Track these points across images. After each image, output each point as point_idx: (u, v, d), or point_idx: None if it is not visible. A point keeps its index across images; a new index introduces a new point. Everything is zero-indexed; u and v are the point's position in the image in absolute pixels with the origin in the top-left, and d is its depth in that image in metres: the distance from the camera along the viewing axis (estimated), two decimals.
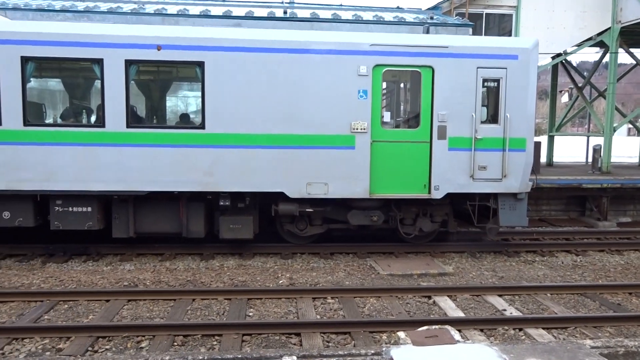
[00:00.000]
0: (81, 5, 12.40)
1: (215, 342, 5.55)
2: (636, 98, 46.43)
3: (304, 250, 9.36)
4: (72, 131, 8.24)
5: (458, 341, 5.19)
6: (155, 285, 7.46)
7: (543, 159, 16.85)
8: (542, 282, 7.92)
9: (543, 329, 6.00)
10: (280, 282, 7.73)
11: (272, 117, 8.39)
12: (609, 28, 14.25)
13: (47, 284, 7.48)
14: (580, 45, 15.10)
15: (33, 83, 8.61)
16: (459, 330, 5.69)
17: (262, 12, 12.84)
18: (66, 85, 9.31)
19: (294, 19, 12.55)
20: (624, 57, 16.50)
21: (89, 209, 8.42)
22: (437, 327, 5.61)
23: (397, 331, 5.64)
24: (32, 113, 8.33)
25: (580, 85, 17.50)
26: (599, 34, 14.49)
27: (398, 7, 14.86)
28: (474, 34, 13.12)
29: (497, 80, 8.79)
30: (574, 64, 18.80)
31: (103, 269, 8.30)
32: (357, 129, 8.52)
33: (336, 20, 12.66)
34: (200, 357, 4.83)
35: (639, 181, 12.86)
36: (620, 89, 19.28)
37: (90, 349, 5.34)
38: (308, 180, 8.54)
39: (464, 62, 8.66)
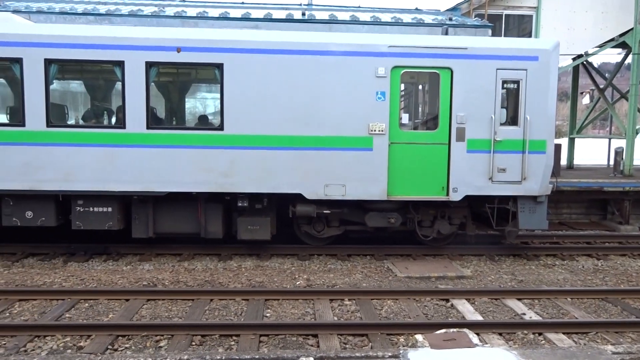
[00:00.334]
0: (103, 9, 12.60)
1: (232, 342, 5.59)
2: None
3: (321, 252, 9.37)
4: (94, 132, 8.36)
5: (476, 345, 5.16)
6: (173, 285, 7.54)
7: (563, 161, 16.66)
8: (562, 286, 7.82)
9: (563, 333, 5.91)
10: (297, 283, 7.75)
11: (290, 118, 8.42)
12: (632, 29, 14.01)
13: (69, 282, 7.60)
14: (601, 46, 14.87)
15: (56, 85, 8.76)
16: (478, 334, 5.65)
17: (281, 14, 12.91)
18: (88, 87, 9.47)
19: (312, 20, 12.59)
20: None
21: (110, 209, 8.53)
22: (455, 330, 5.58)
23: (415, 334, 5.62)
24: (55, 114, 8.48)
25: (601, 86, 17.23)
26: (621, 35, 14.27)
27: (416, 9, 14.82)
28: (493, 35, 13.02)
29: (517, 82, 8.71)
30: (596, 65, 18.52)
31: (123, 268, 8.41)
32: (374, 130, 8.51)
33: (354, 22, 12.67)
34: (218, 357, 4.87)
35: None
36: None
37: (110, 347, 5.42)
38: (325, 182, 8.55)
39: (483, 63, 8.59)
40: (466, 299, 7.03)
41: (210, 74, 8.84)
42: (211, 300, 6.87)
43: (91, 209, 8.51)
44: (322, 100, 8.43)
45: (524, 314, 6.57)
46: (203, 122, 9.22)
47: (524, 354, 4.67)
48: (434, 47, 8.57)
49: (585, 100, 19.52)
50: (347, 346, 5.55)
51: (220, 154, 8.41)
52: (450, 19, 13.18)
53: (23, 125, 8.19)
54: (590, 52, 15.02)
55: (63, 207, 8.61)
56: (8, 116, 8.70)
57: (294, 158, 8.47)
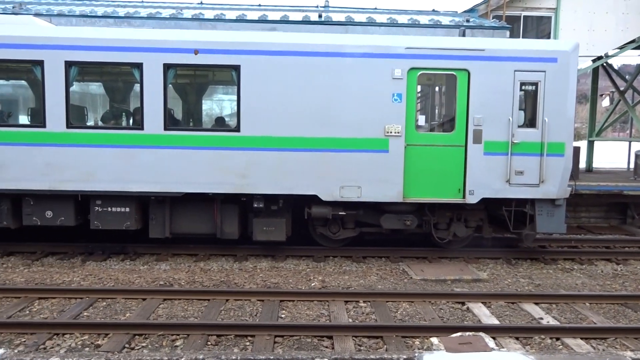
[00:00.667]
0: (122, 11, 12.77)
1: (248, 343, 5.61)
2: None
3: (336, 254, 9.37)
4: (112, 133, 8.47)
5: (493, 349, 5.11)
6: (189, 285, 7.59)
7: (582, 164, 16.45)
8: (580, 291, 7.71)
9: (581, 339, 5.82)
10: (312, 284, 7.75)
11: (306, 120, 8.44)
12: None
13: (87, 281, 7.70)
14: (622, 47, 14.66)
15: (75, 87, 8.89)
16: (494, 338, 5.59)
17: (297, 16, 12.95)
18: (107, 89, 9.60)
19: (328, 22, 12.61)
20: None
21: (127, 209, 8.63)
22: (471, 334, 5.54)
23: (430, 337, 5.59)
24: (75, 116, 8.61)
25: (622, 89, 16.98)
26: None
27: (433, 10, 14.76)
28: (511, 36, 12.92)
29: (536, 84, 8.62)
30: (616, 67, 18.26)
31: (140, 268, 8.49)
32: (391, 132, 8.48)
33: (371, 23, 12.66)
34: (234, 357, 4.89)
35: None
36: None
37: (127, 346, 5.47)
38: (341, 184, 8.55)
39: (501, 65, 8.52)
40: (482, 303, 6.97)
41: (227, 75, 8.90)
42: (227, 300, 6.90)
43: (109, 209, 8.62)
44: (338, 102, 8.43)
45: (541, 318, 6.49)
46: (220, 123, 9.28)
47: (542, 359, 4.61)
48: (451, 48, 8.53)
49: (605, 102, 19.25)
50: (361, 348, 5.54)
51: (237, 155, 8.45)
52: (468, 21, 13.10)
53: (44, 126, 8.33)
54: (610, 53, 14.82)
55: (82, 207, 8.74)
56: (29, 117, 8.86)
57: (309, 159, 8.49)
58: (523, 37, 14.28)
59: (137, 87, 8.53)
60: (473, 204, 8.73)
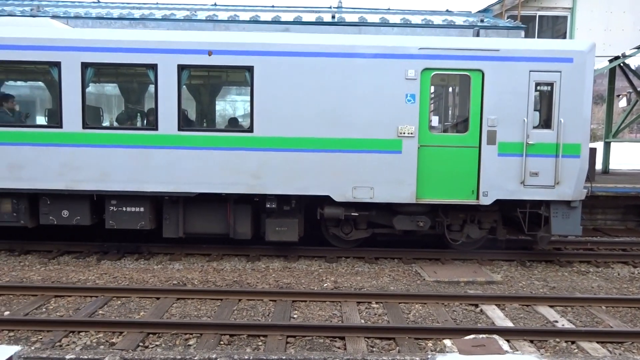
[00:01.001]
0: (137, 13, 12.89)
1: (260, 343, 5.62)
2: None
3: (348, 254, 9.36)
4: (127, 134, 8.56)
5: (507, 352, 5.07)
6: (203, 285, 7.63)
7: (598, 166, 16.25)
8: (596, 294, 7.61)
9: (597, 342, 5.75)
10: (324, 285, 7.75)
11: (320, 121, 8.44)
12: None
13: (102, 280, 7.78)
14: (639, 47, 14.45)
15: (91, 88, 8.99)
16: (508, 341, 5.55)
17: (311, 17, 12.97)
18: (122, 90, 9.70)
19: (341, 23, 12.61)
20: None
21: (142, 209, 8.71)
22: (484, 336, 5.49)
23: (444, 339, 5.57)
24: (91, 116, 8.71)
25: (639, 89, 16.74)
26: None
27: (447, 10, 14.69)
28: (526, 36, 12.81)
29: (551, 84, 8.54)
30: (633, 67, 18.02)
31: (154, 267, 8.57)
32: (404, 133, 8.46)
33: (384, 24, 12.63)
34: (246, 357, 4.91)
35: None
36: None
37: (141, 344, 5.52)
38: (354, 184, 8.54)
39: (515, 65, 8.45)
40: (496, 305, 6.91)
41: (241, 76, 8.95)
42: (239, 300, 6.93)
43: (124, 209, 8.71)
44: (352, 102, 8.43)
45: (557, 321, 6.42)
46: (233, 124, 9.33)
47: None
48: (465, 49, 8.48)
49: (622, 103, 19.03)
50: (374, 349, 5.53)
51: (250, 155, 8.49)
52: (482, 21, 13.02)
53: (60, 126, 8.44)
54: (627, 53, 14.62)
55: (97, 207, 8.84)
56: (46, 118, 8.99)
57: (322, 160, 8.50)
58: (538, 37, 14.15)
59: (151, 88, 8.61)
60: (487, 205, 8.67)
